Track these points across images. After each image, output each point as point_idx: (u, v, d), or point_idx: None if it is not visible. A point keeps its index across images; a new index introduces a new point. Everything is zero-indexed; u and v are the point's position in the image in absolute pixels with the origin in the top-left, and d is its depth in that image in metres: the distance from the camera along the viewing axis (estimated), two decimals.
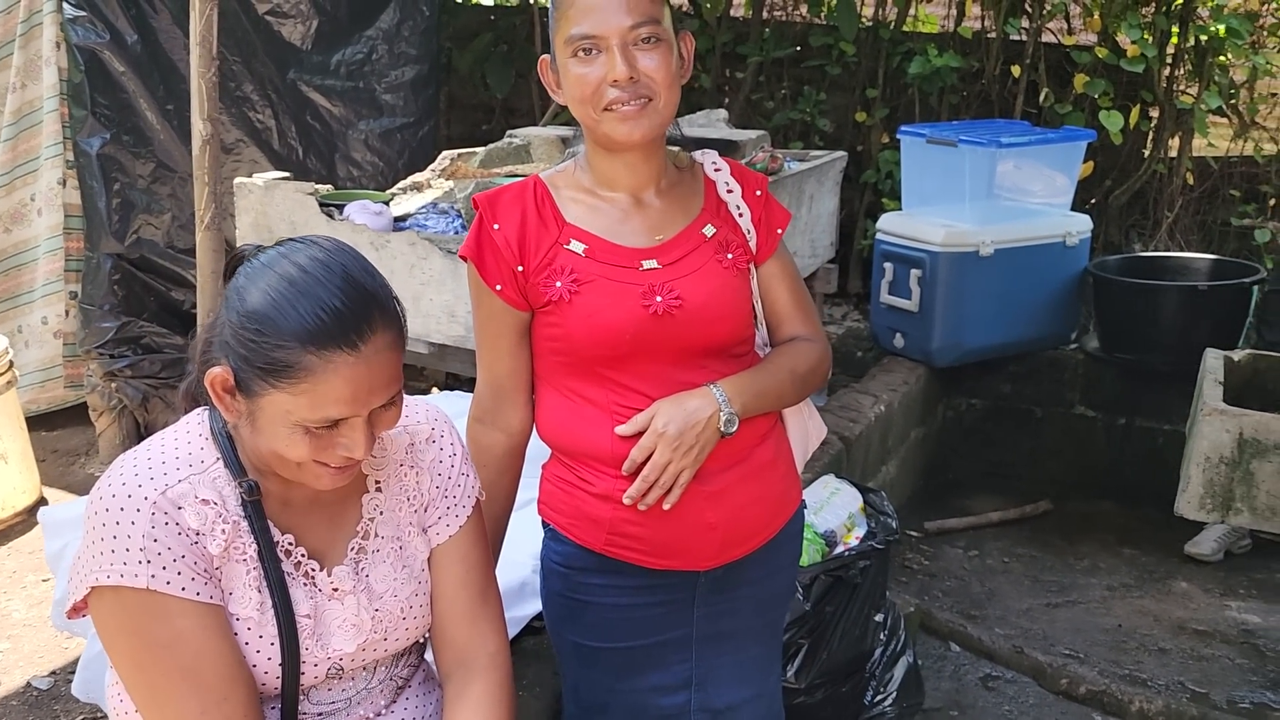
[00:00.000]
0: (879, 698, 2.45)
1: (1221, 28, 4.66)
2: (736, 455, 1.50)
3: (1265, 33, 5.08)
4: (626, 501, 1.44)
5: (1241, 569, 3.62)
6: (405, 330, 1.25)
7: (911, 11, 5.43)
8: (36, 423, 3.55)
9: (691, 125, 3.95)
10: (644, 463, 1.43)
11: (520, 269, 1.46)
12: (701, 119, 3.97)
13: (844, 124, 5.48)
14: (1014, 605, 3.38)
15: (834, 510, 2.50)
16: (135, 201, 3.35)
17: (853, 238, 5.37)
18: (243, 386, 1.22)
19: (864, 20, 5.44)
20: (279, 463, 1.26)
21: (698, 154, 1.61)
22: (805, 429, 1.70)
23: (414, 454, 1.42)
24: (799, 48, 5.49)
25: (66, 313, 3.36)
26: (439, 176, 3.41)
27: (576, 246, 1.47)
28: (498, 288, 1.47)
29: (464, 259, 1.49)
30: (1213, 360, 2.51)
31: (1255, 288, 3.87)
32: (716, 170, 1.58)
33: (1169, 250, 4.91)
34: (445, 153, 3.66)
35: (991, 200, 4.01)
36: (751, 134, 3.57)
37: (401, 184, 3.46)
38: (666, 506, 1.44)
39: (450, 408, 1.56)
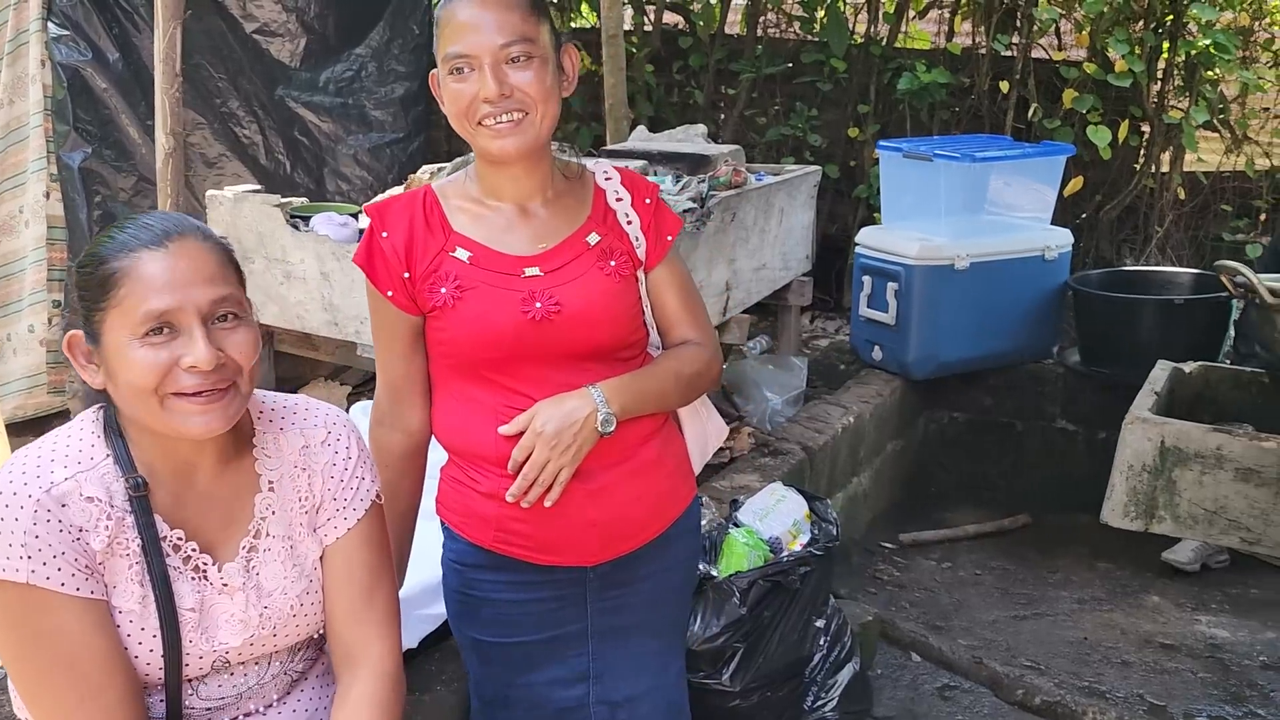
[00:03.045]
0: (820, 703, 2.47)
1: (1210, 43, 4.65)
2: (619, 454, 1.54)
3: (1259, 48, 5.06)
4: (509, 499, 1.49)
5: (1216, 584, 3.59)
6: (234, 260, 1.36)
7: (903, 28, 5.46)
8: (24, 428, 3.65)
9: (670, 139, 4.00)
10: (525, 461, 1.47)
11: (407, 275, 1.52)
12: (680, 134, 4.02)
13: (837, 139, 5.52)
14: (981, 617, 3.38)
15: (779, 517, 2.53)
16: (116, 214, 3.45)
17: (846, 252, 5.39)
18: (90, 335, 1.30)
19: (856, 37, 5.48)
20: (143, 406, 1.29)
21: (589, 163, 1.66)
22: (704, 430, 1.74)
23: (307, 456, 1.47)
24: (791, 64, 5.54)
25: (50, 321, 3.47)
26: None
27: (462, 254, 1.52)
28: (389, 293, 1.53)
29: (357, 266, 1.55)
30: (1158, 371, 2.52)
31: (1233, 302, 3.85)
32: (607, 179, 1.63)
33: (1160, 265, 4.89)
34: (425, 167, 3.73)
35: (969, 214, 4.02)
36: (724, 149, 3.61)
37: (378, 198, 3.53)
38: (548, 504, 1.49)
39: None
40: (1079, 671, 3.06)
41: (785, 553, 2.43)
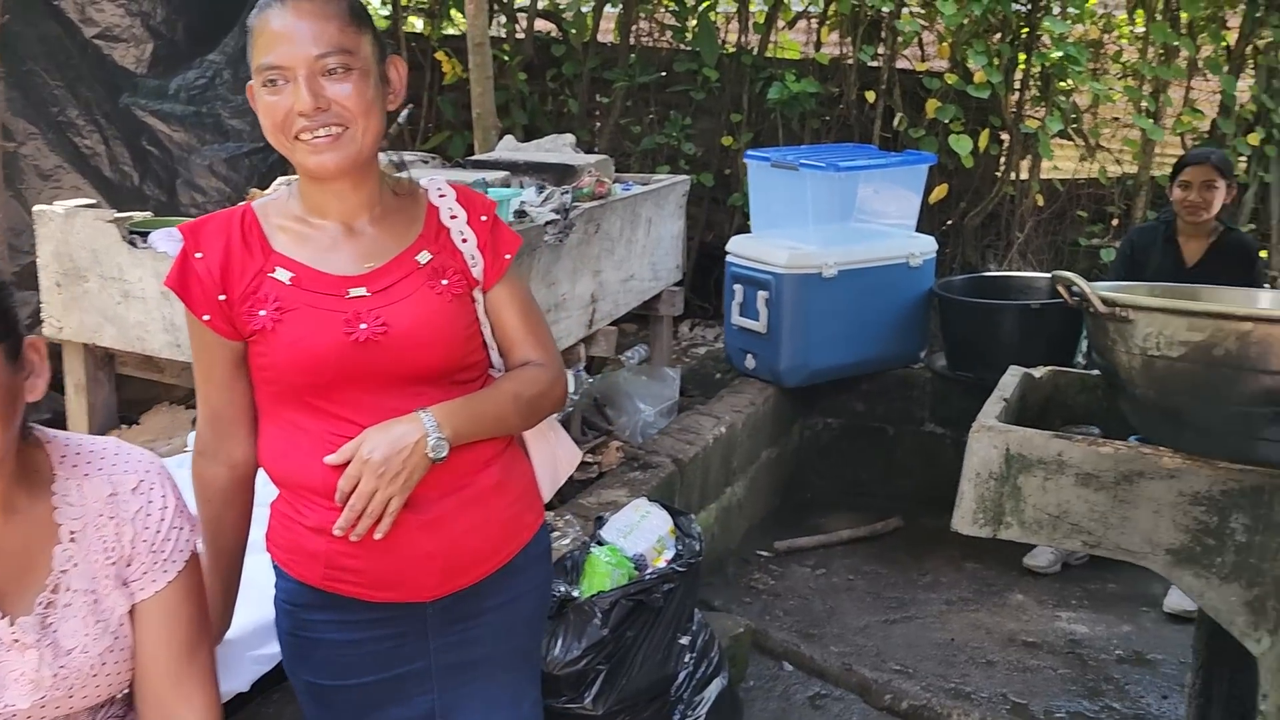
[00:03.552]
0: None
1: (1063, 55, 4.83)
2: (456, 482, 1.48)
3: (1109, 60, 5.28)
4: (336, 533, 1.41)
5: (1076, 580, 3.71)
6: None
7: (773, 38, 5.52)
8: None
9: (538, 149, 3.95)
10: (353, 492, 1.40)
11: (223, 298, 1.43)
12: (548, 143, 3.97)
13: (711, 148, 5.54)
14: (852, 623, 3.41)
15: (643, 534, 2.50)
16: None
17: (724, 260, 5.42)
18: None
19: (727, 46, 5.52)
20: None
21: (423, 180, 1.59)
22: (553, 455, 1.69)
23: (115, 504, 1.37)
24: (665, 73, 5.55)
25: None
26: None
27: (282, 275, 1.44)
28: (205, 318, 1.44)
29: (169, 289, 1.46)
30: (1009, 378, 2.57)
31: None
32: (440, 196, 1.56)
33: (1020, 270, 5.05)
34: (281, 178, 3.59)
35: (836, 223, 4.07)
36: (590, 159, 3.58)
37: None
38: (378, 536, 1.42)
39: None
40: (946, 673, 3.12)
41: (649, 570, 2.40)
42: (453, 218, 1.55)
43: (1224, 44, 4.99)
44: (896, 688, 2.94)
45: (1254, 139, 4.85)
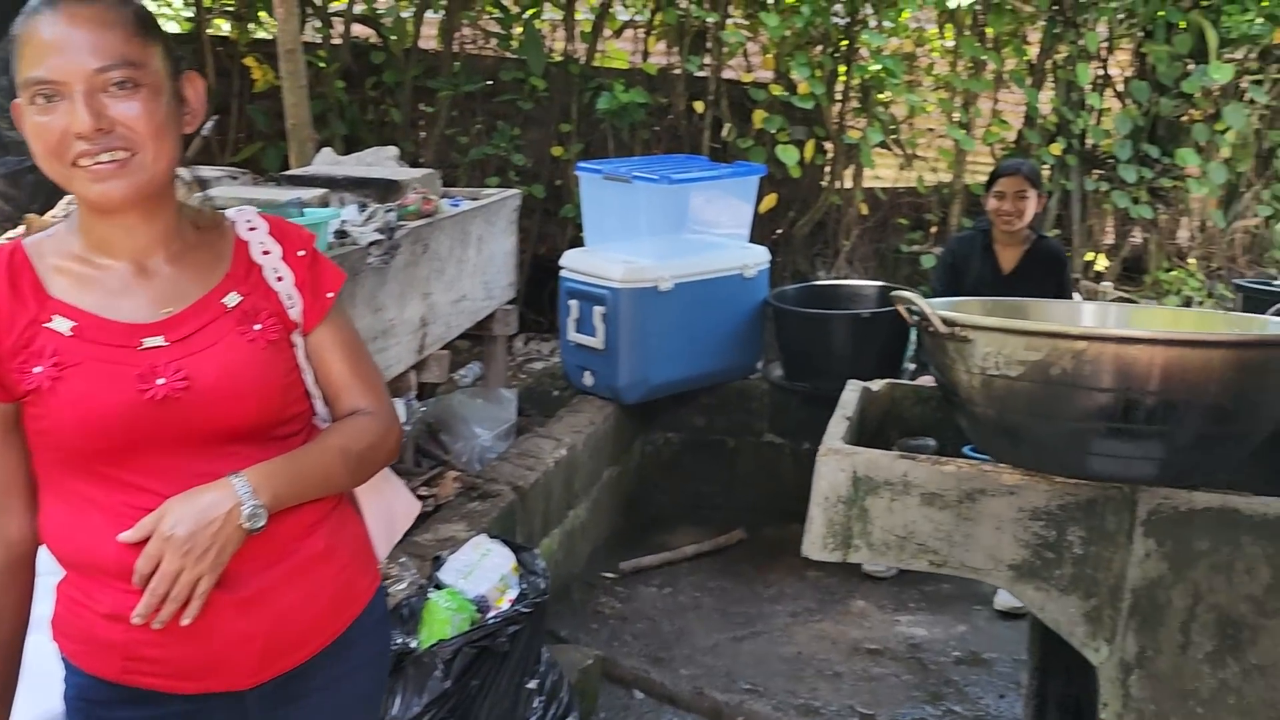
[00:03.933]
0: None
1: (881, 68, 4.97)
2: (276, 552, 1.32)
3: (922, 73, 5.47)
4: (136, 620, 1.24)
5: (913, 582, 3.79)
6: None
7: (600, 47, 5.47)
8: None
9: (359, 163, 3.75)
10: (154, 573, 1.23)
11: None
12: (370, 156, 3.77)
13: (542, 159, 5.44)
14: (701, 643, 3.37)
15: (485, 574, 2.37)
16: None
17: (557, 273, 5.32)
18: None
19: (554, 55, 5.43)
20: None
21: (230, 211, 1.42)
22: (389, 509, 1.55)
23: None
24: (491, 82, 5.40)
25: None
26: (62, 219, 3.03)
27: (61, 325, 1.25)
28: None
29: None
30: (849, 394, 2.57)
31: None
32: (251, 230, 1.40)
33: (848, 277, 5.17)
34: (67, 197, 3.27)
35: (671, 235, 4.04)
36: (416, 173, 3.41)
37: (10, 234, 3.05)
38: (185, 622, 1.25)
39: None
40: (795, 689, 3.11)
41: (492, 612, 2.27)
42: (265, 253, 1.39)
43: (1026, 59, 5.24)
44: (748, 709, 2.92)
45: (1056, 149, 5.12)
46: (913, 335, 4.16)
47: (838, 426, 2.23)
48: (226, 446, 1.30)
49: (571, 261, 4.04)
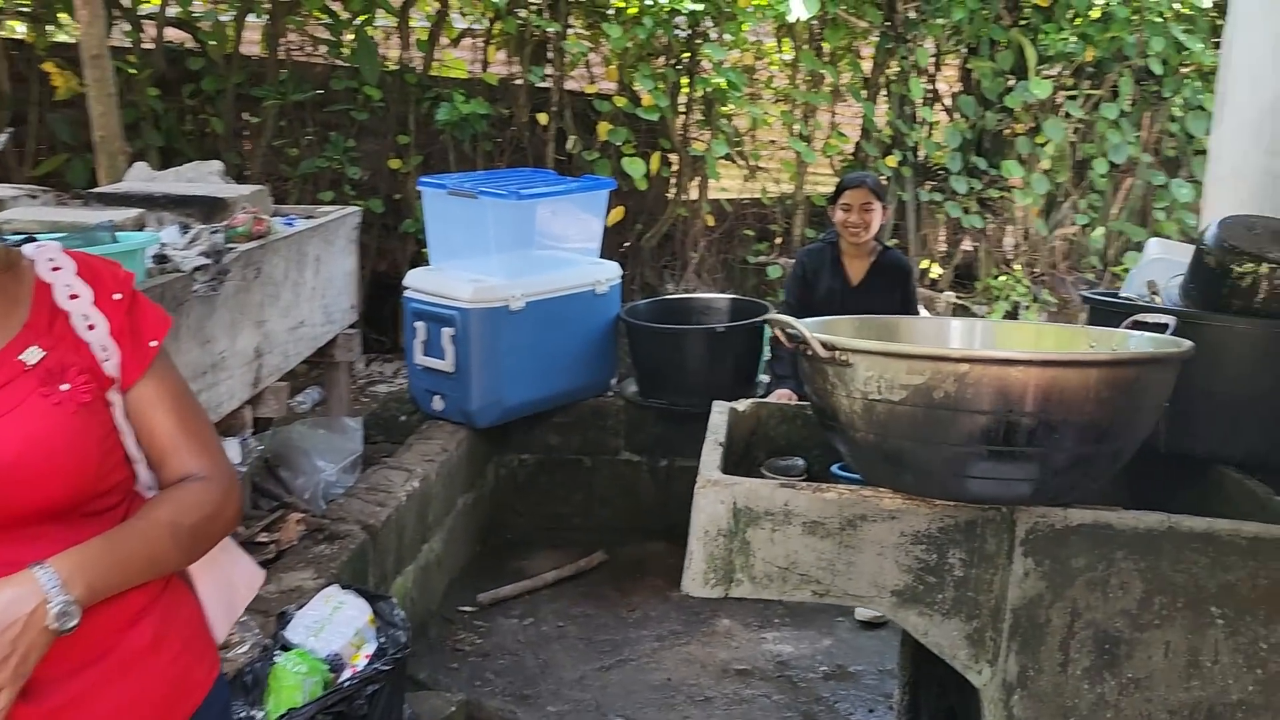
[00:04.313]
0: None
1: (723, 80, 4.96)
2: (93, 649, 1.13)
3: (763, 85, 5.51)
4: None
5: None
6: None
7: (438, 56, 5.27)
8: None
9: (179, 178, 3.45)
10: None
11: None
12: (191, 171, 3.48)
13: (379, 172, 5.20)
14: (568, 675, 3.24)
15: (337, 628, 2.17)
16: None
17: (399, 290, 5.09)
18: None
19: (389, 63, 5.20)
20: None
21: (28, 249, 1.21)
22: (228, 583, 1.36)
23: None
24: (322, 90, 5.13)
25: None
26: None
27: None
28: None
29: None
30: (717, 416, 2.49)
31: (766, 325, 4.09)
32: (54, 270, 1.20)
33: (697, 289, 5.14)
34: None
35: (519, 251, 3.90)
36: (243, 190, 3.15)
37: None
38: None
39: None
40: (666, 718, 3.02)
41: (348, 672, 2.08)
42: (73, 298, 1.19)
43: (861, 73, 5.35)
44: None
45: (892, 161, 5.24)
46: (766, 348, 4.16)
47: (712, 454, 2.14)
48: (29, 529, 1.10)
49: (417, 281, 3.84)
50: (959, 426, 1.75)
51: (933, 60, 5.32)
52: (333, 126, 5.11)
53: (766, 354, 4.16)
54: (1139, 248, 5.48)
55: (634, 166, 4.79)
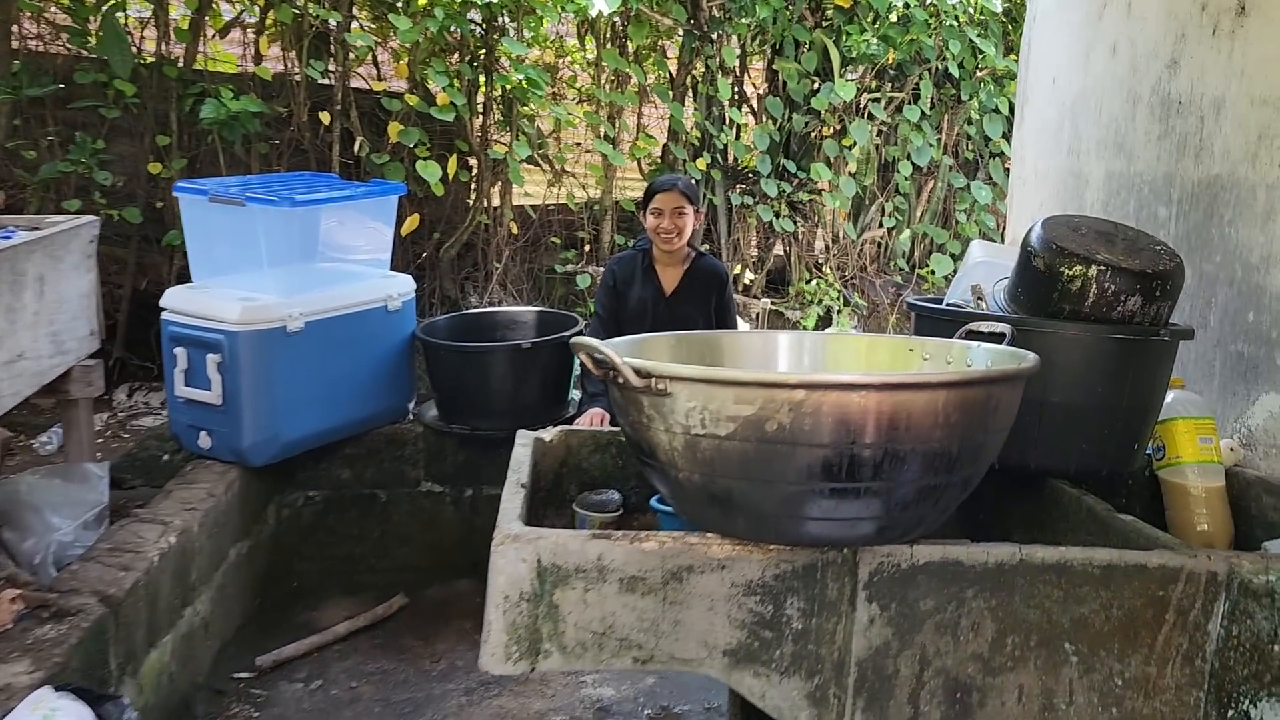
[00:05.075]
0: None
1: (524, 78, 4.66)
2: None
3: (565, 85, 5.24)
4: None
5: None
6: None
7: (202, 48, 4.73)
8: None
9: None
10: None
11: None
12: None
13: (136, 177, 4.62)
14: None
15: None
16: None
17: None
18: None
19: (145, 56, 4.62)
20: None
21: None
22: None
23: None
24: (64, 85, 4.50)
25: None
26: None
27: None
28: None
29: None
30: (520, 449, 2.19)
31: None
32: None
33: (502, 302, 4.82)
34: None
35: (298, 265, 3.46)
36: None
37: None
38: None
39: None
40: None
41: None
42: None
43: (667, 72, 5.17)
44: None
45: (701, 164, 5.07)
46: (577, 363, 3.88)
47: (512, 500, 1.84)
48: None
49: (175, 301, 3.34)
50: (796, 462, 1.51)
51: (739, 60, 5.19)
52: (79, 125, 4.50)
53: (578, 369, 3.89)
54: (943, 250, 5.54)
55: (429, 170, 4.42)
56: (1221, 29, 2.67)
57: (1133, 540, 1.86)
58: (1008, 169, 5.52)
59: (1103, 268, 2.09)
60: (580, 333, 3.85)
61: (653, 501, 2.31)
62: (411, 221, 4.50)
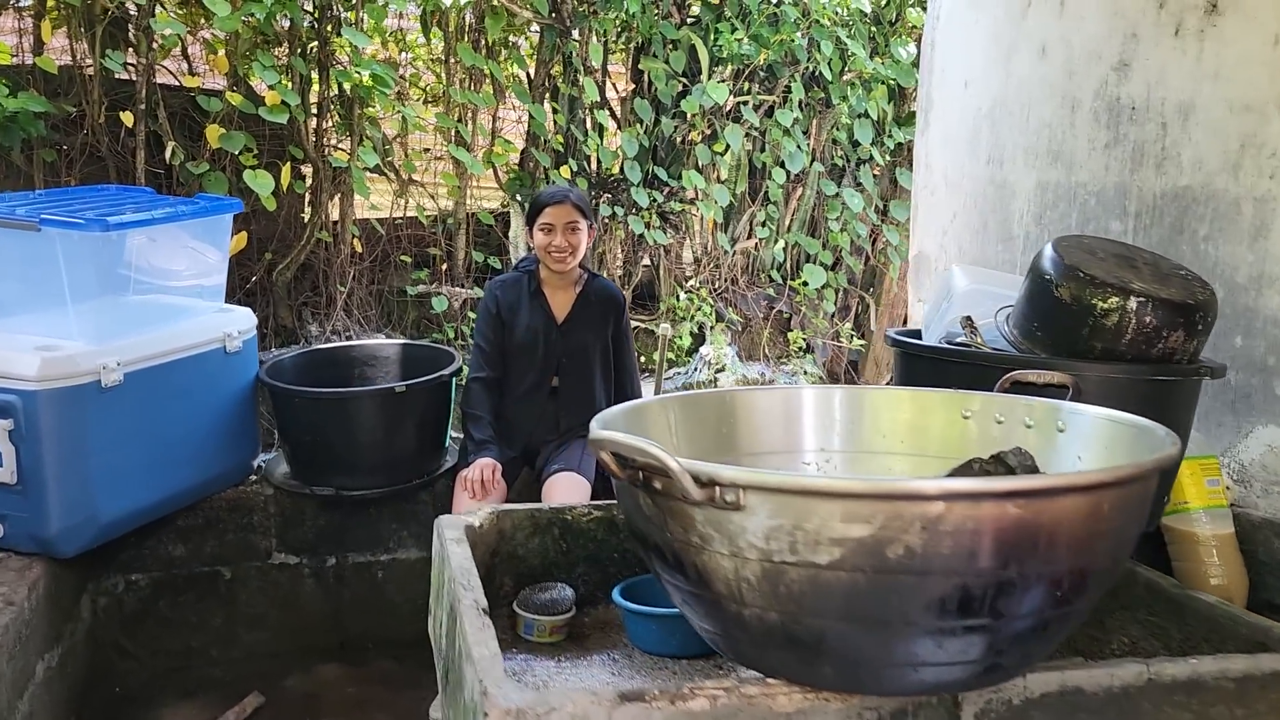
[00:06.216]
0: None
1: (367, 76, 4.08)
2: None
3: (409, 84, 4.68)
4: None
5: None
6: None
7: None
8: None
9: None
10: None
11: None
12: None
13: None
14: None
15: None
16: None
17: None
18: None
19: None
20: None
21: None
22: None
23: None
24: None
25: None
26: None
27: None
28: None
29: None
30: (454, 546, 1.71)
31: (454, 379, 3.30)
32: None
33: (350, 331, 4.22)
34: None
35: (111, 301, 2.81)
36: None
37: None
38: None
39: None
40: None
41: None
42: None
43: (525, 68, 4.70)
44: None
45: (566, 171, 4.63)
46: (454, 403, 3.37)
47: (481, 638, 1.36)
48: None
49: None
50: (925, 595, 1.11)
51: (603, 59, 4.77)
52: None
53: (456, 409, 3.38)
54: (814, 260, 5.30)
55: (259, 181, 3.78)
56: (1187, 28, 2.47)
57: (1226, 627, 1.57)
58: (876, 175, 5.35)
59: (1141, 299, 1.81)
60: (459, 371, 3.34)
61: (615, 595, 1.86)
62: (239, 240, 3.84)
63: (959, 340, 2.04)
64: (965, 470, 1.40)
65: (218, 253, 3.21)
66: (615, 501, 1.93)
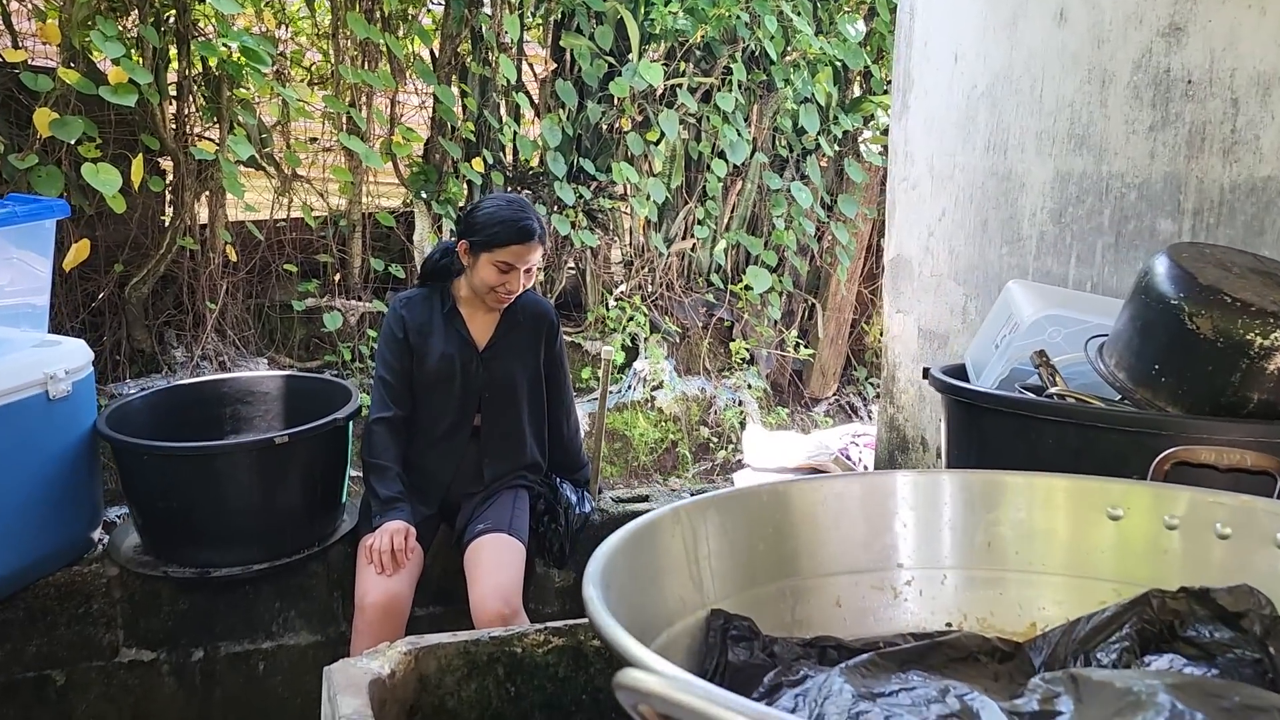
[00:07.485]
0: None
1: (236, 50, 3.40)
2: None
3: (291, 62, 3.99)
4: None
5: None
6: None
7: None
8: None
9: None
10: None
11: None
12: None
13: None
14: None
15: None
16: None
17: None
18: None
19: None
20: None
21: None
22: None
23: None
24: None
25: None
26: None
27: None
28: None
29: None
30: (346, 701, 1.11)
31: (350, 422, 2.66)
32: None
33: (225, 357, 3.53)
34: None
35: None
36: None
37: None
38: None
39: None
40: None
41: None
42: None
43: (429, 44, 4.05)
44: None
45: (478, 164, 4.00)
46: (352, 453, 2.74)
47: None
48: None
49: None
50: None
51: (520, 34, 4.15)
52: None
53: (354, 461, 2.76)
54: (757, 262, 4.78)
55: (104, 178, 3.07)
56: None
57: None
58: (824, 167, 4.85)
59: None
60: (358, 411, 2.70)
61: None
62: (79, 250, 3.12)
63: (1050, 390, 1.51)
64: (1140, 609, 0.88)
65: (42, 269, 2.52)
66: (583, 620, 1.41)
